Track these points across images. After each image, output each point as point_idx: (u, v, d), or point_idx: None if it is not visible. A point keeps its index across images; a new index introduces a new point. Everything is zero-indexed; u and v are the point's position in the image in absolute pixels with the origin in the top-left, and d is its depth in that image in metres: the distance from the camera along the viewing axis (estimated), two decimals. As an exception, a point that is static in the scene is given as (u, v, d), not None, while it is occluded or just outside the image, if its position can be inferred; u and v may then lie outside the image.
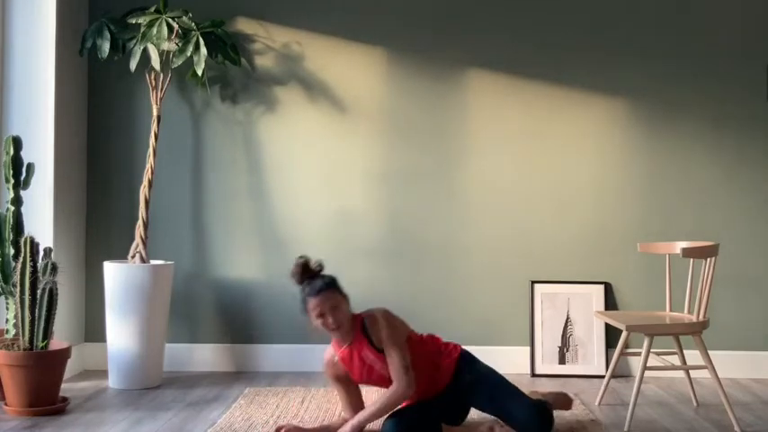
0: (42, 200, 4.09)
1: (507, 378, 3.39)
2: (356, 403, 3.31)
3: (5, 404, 3.56)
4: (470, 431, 3.27)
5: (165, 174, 4.49)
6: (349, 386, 3.31)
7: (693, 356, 3.92)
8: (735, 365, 4.48)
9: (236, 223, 4.56)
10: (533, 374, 4.46)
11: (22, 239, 3.57)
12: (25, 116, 4.12)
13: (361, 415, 3.17)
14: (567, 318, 4.51)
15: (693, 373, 4.02)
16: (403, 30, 4.58)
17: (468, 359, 3.32)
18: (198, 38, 4.20)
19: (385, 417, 3.15)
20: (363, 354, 3.20)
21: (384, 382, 3.21)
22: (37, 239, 3.62)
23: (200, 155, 4.58)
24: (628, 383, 4.28)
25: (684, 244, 3.80)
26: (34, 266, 3.56)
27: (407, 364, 3.13)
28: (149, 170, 4.21)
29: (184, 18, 4.22)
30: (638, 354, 3.73)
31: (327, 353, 3.32)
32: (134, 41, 4.23)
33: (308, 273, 3.22)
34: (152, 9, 4.23)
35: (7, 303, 3.78)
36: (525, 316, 4.53)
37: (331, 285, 3.20)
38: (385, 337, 3.15)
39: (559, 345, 4.49)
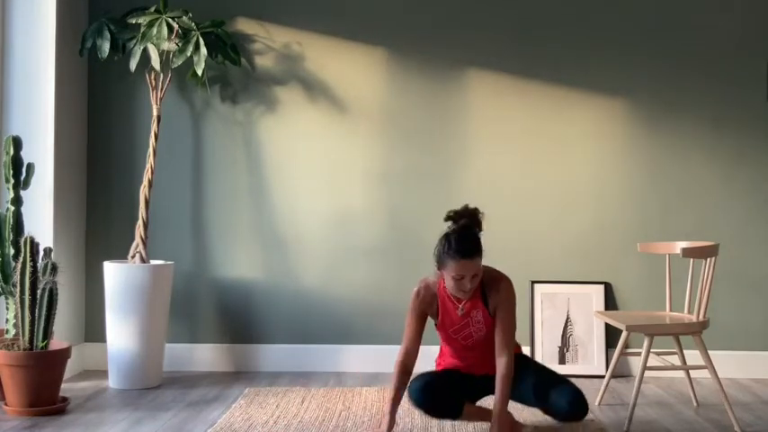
0: (42, 200, 4.09)
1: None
2: (413, 342, 3.20)
3: (5, 404, 3.56)
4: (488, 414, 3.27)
5: (165, 174, 4.49)
6: (419, 328, 3.21)
7: (693, 356, 3.92)
8: (735, 365, 4.47)
9: (236, 223, 4.56)
10: (533, 374, 4.45)
11: (22, 239, 3.57)
12: (25, 116, 4.12)
13: (500, 403, 3.10)
14: (567, 318, 4.51)
15: (693, 373, 4.02)
16: (403, 30, 4.58)
17: (523, 357, 3.35)
18: (198, 38, 4.20)
19: (411, 380, 3.17)
20: (472, 312, 3.16)
21: (457, 342, 3.21)
22: (37, 239, 3.62)
23: (200, 155, 4.58)
24: (628, 383, 4.28)
25: (684, 244, 3.81)
26: (34, 266, 3.56)
27: (514, 337, 3.17)
28: (149, 170, 4.21)
29: (184, 18, 4.22)
30: (638, 354, 3.73)
31: (429, 280, 3.22)
32: (134, 41, 4.23)
33: (468, 220, 3.10)
34: (152, 9, 4.23)
35: (7, 303, 3.77)
36: (525, 316, 4.52)
37: (480, 250, 3.07)
38: (507, 303, 3.14)
39: (559, 345, 4.49)
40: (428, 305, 3.21)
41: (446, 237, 3.10)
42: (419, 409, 3.22)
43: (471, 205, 3.16)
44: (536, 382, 3.21)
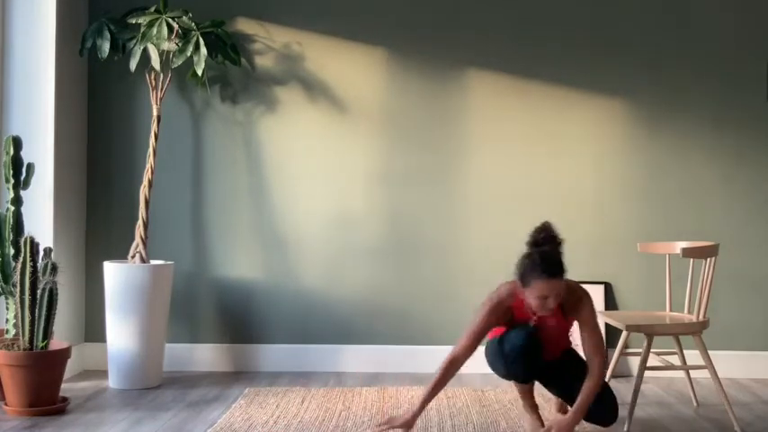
0: (42, 200, 4.09)
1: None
2: (468, 350, 3.14)
3: (5, 404, 3.56)
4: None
5: (165, 174, 4.49)
6: (481, 338, 3.15)
7: (693, 356, 3.92)
8: (735, 365, 4.47)
9: (236, 223, 4.56)
10: (533, 374, 4.45)
11: (22, 239, 3.57)
12: (25, 116, 4.12)
13: (577, 410, 3.09)
14: (567, 318, 4.50)
15: (693, 373, 4.02)
16: (403, 30, 4.58)
17: (577, 355, 3.34)
18: (198, 38, 4.20)
19: (515, 328, 3.14)
20: (548, 321, 3.14)
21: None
22: (37, 239, 3.62)
23: (201, 155, 4.58)
24: (628, 383, 4.28)
25: (684, 244, 3.80)
26: (34, 266, 3.55)
27: (603, 348, 3.18)
28: (149, 170, 4.21)
29: (184, 18, 4.22)
30: (638, 354, 3.73)
31: (504, 294, 3.15)
32: (134, 41, 4.23)
33: (547, 239, 3.08)
34: (152, 9, 4.23)
35: (7, 303, 3.77)
36: (525, 316, 4.52)
37: (564, 269, 3.04)
38: (590, 318, 3.14)
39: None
40: (500, 317, 3.18)
41: (530, 256, 3.07)
42: (512, 351, 3.11)
43: (547, 221, 3.15)
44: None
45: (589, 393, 3.10)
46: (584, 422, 3.31)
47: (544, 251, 3.07)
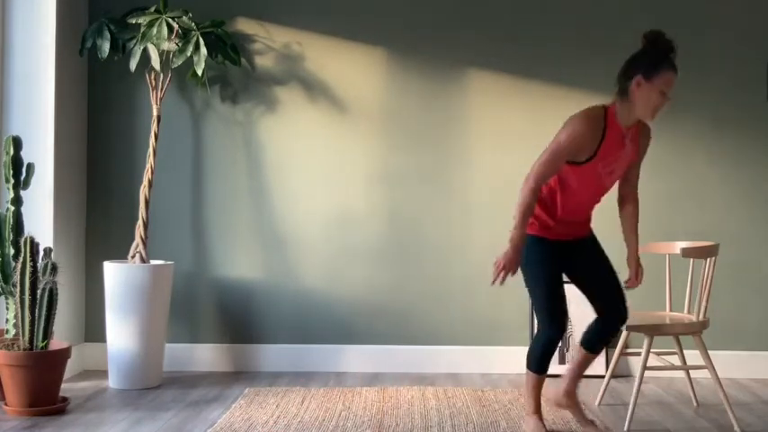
0: (42, 200, 4.09)
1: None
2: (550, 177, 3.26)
3: (5, 404, 3.56)
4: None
5: (165, 174, 4.49)
6: (561, 166, 3.20)
7: (693, 356, 3.92)
8: (735, 365, 4.47)
9: (236, 223, 4.56)
10: (533, 374, 4.45)
11: (22, 239, 3.57)
12: (25, 116, 4.12)
13: (634, 243, 3.42)
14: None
15: (693, 373, 4.02)
16: (403, 30, 4.58)
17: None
18: (198, 38, 4.20)
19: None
20: (628, 145, 3.16)
21: (590, 184, 3.22)
22: (37, 239, 3.62)
23: (200, 155, 4.58)
24: (628, 383, 4.28)
25: (684, 244, 3.81)
26: (34, 266, 3.56)
27: None
28: (149, 170, 4.21)
29: (184, 18, 4.23)
30: (638, 354, 3.73)
31: (595, 109, 3.12)
32: (134, 41, 4.23)
33: (666, 47, 3.05)
34: (152, 9, 4.23)
35: (7, 303, 3.78)
36: (525, 316, 4.52)
37: None
38: (646, 150, 3.29)
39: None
40: (589, 141, 3.09)
41: (654, 50, 3.04)
42: (552, 344, 3.22)
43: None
44: (604, 294, 3.41)
45: (636, 218, 3.38)
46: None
47: (669, 43, 3.04)
